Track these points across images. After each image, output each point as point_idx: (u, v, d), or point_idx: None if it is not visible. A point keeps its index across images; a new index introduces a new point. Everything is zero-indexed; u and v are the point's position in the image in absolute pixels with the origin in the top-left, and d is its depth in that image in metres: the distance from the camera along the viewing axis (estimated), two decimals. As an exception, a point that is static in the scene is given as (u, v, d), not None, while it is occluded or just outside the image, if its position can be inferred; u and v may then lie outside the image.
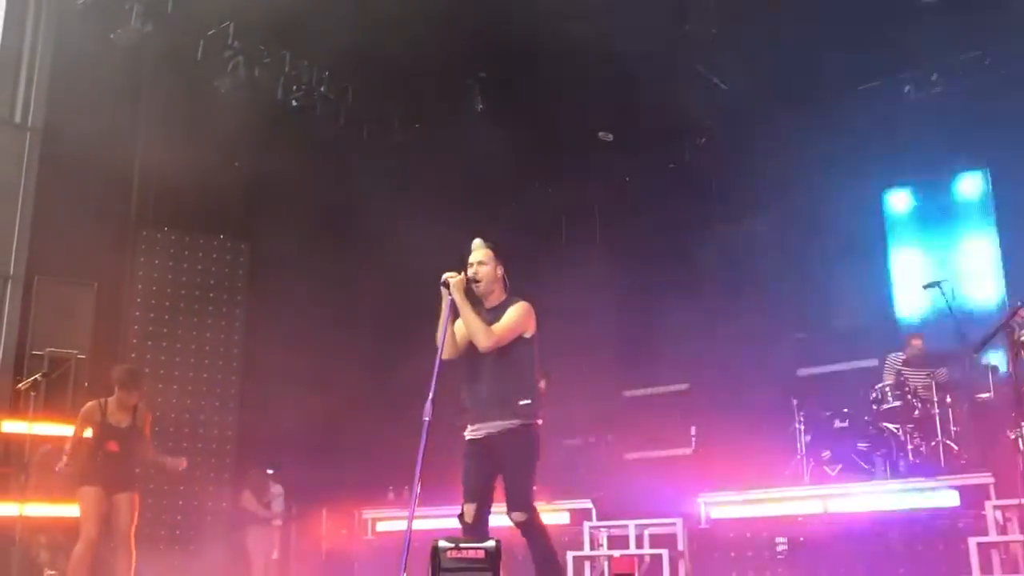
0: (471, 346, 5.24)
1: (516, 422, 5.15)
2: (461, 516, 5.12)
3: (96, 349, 9.41)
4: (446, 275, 5.19)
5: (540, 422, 5.26)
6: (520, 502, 5.08)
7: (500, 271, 5.44)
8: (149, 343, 10.30)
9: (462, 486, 5.19)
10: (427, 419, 4.78)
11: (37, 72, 9.77)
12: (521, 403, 5.18)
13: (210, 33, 10.04)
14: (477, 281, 5.31)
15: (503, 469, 5.15)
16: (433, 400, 4.81)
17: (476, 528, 5.05)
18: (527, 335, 5.33)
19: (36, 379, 7.63)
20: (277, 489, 10.48)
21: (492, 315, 5.31)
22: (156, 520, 9.88)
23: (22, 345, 9.16)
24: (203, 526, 10.14)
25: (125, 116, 10.25)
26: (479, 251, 5.43)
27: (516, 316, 5.27)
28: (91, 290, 9.69)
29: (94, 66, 9.45)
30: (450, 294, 5.11)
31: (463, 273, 5.26)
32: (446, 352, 5.15)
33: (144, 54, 10.18)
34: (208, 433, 10.41)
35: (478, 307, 5.33)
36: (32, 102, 9.70)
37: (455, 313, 5.15)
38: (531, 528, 5.07)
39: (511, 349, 5.23)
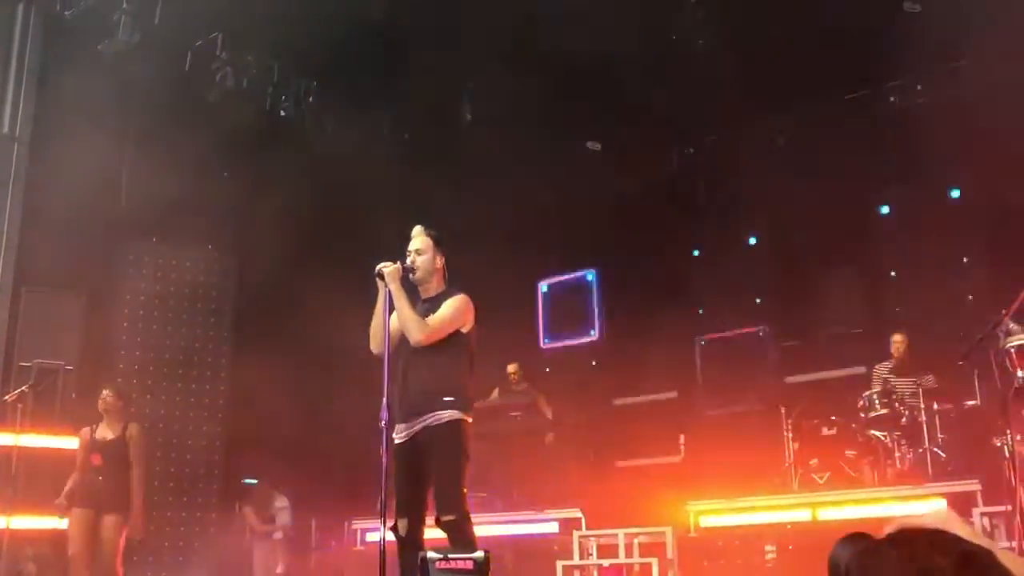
0: (404, 340, 5.03)
1: (441, 419, 4.91)
2: (395, 529, 4.91)
3: (84, 361, 9.38)
4: (380, 265, 4.97)
5: (469, 419, 5.00)
6: (447, 504, 4.83)
7: (440, 261, 5.20)
8: (137, 354, 10.27)
9: (395, 498, 4.96)
10: (383, 423, 4.67)
11: (24, 83, 9.76)
12: (445, 399, 4.93)
13: (198, 44, 10.05)
14: (414, 270, 5.10)
15: (431, 471, 4.92)
16: (388, 404, 4.70)
17: (409, 541, 4.87)
18: (464, 329, 5.09)
19: (23, 391, 7.60)
20: (282, 502, 10.44)
21: (428, 306, 5.11)
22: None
23: (9, 356, 9.12)
24: (191, 537, 10.11)
25: (113, 127, 10.23)
26: (418, 238, 5.20)
27: (453, 309, 5.04)
28: (79, 302, 9.67)
29: (82, 77, 9.43)
30: (386, 285, 4.90)
31: (398, 262, 5.03)
32: (377, 344, 4.97)
33: (132, 65, 10.17)
34: (196, 444, 10.38)
35: (414, 298, 5.12)
36: (20, 113, 9.69)
37: (392, 305, 4.93)
38: (456, 530, 4.78)
39: (444, 344, 5.01)
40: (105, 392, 7.49)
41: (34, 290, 9.40)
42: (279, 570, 10.19)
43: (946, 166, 10.71)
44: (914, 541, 1.36)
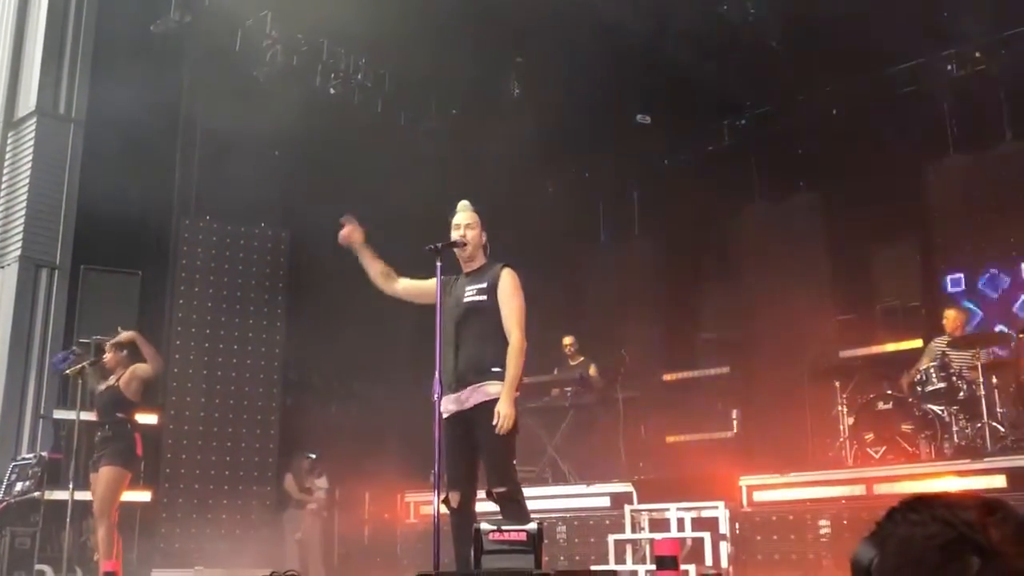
0: (452, 312, 5.14)
1: (489, 393, 4.94)
2: (446, 501, 4.93)
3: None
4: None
5: (516, 392, 5.02)
6: (499, 476, 4.90)
7: (484, 236, 5.28)
8: (193, 331, 10.43)
9: (445, 472, 5.01)
10: (436, 397, 4.79)
11: (79, 65, 9.91)
12: (493, 370, 4.98)
13: (248, 23, 10.12)
14: (465, 245, 5.18)
15: (481, 445, 4.97)
16: (440, 379, 4.82)
17: (462, 513, 4.90)
18: None
19: (83, 367, 7.75)
20: (323, 482, 10.60)
21: (471, 279, 5.20)
22: (202, 504, 10.05)
23: (69, 333, 9.33)
24: (248, 509, 10.29)
25: (165, 107, 10.37)
26: (465, 213, 5.27)
27: (514, 295, 5.07)
28: (136, 279, 9.84)
29: (135, 58, 9.57)
30: (440, 260, 5.03)
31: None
32: (389, 287, 5.35)
33: (183, 45, 10.28)
34: (252, 419, 10.53)
35: (456, 273, 5.27)
36: (75, 94, 9.84)
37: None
38: (510, 502, 4.85)
39: (488, 315, 5.07)
40: (105, 353, 7.55)
41: (92, 269, 9.58)
42: (297, 536, 10.35)
43: (1003, 135, 10.51)
44: (931, 504, 1.34)
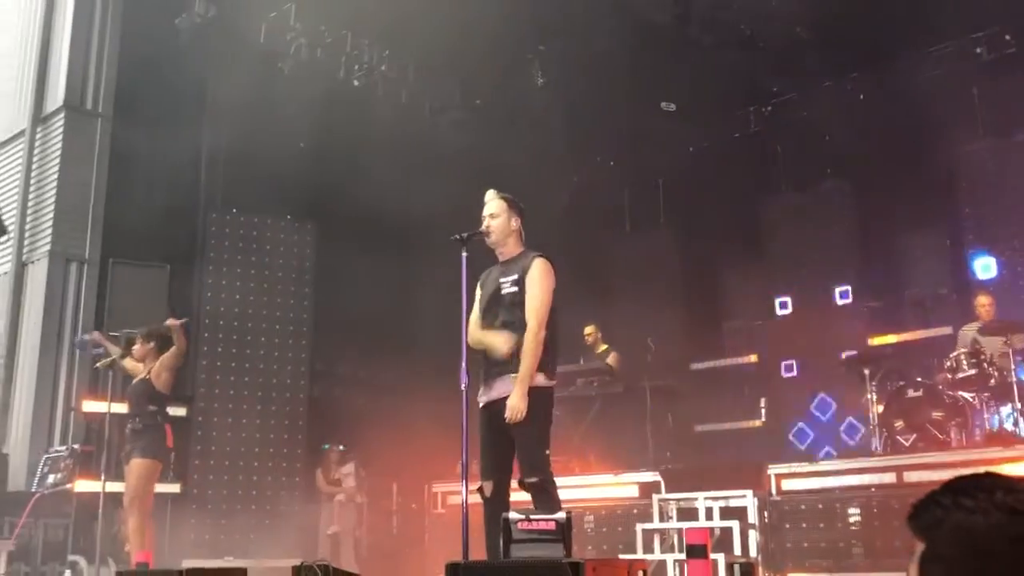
0: (481, 303, 5.19)
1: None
2: (480, 491, 4.96)
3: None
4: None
5: (550, 383, 5.03)
6: (532, 466, 4.89)
7: (515, 223, 5.22)
8: (221, 323, 10.49)
9: (479, 461, 5.03)
10: (464, 387, 4.77)
11: (106, 60, 9.97)
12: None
13: (272, 16, 10.16)
14: (488, 234, 5.17)
15: (514, 435, 4.94)
16: (467, 368, 4.81)
17: (495, 503, 4.90)
18: None
19: (114, 360, 7.82)
20: (348, 468, 10.65)
21: (505, 268, 5.19)
22: (232, 495, 10.13)
23: (99, 327, 9.40)
24: (277, 500, 10.35)
25: (191, 100, 10.43)
26: (492, 203, 5.23)
27: (544, 287, 5.06)
28: (164, 272, 9.91)
29: (160, 52, 9.62)
30: (464, 250, 5.01)
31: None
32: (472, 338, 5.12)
33: (208, 38, 10.32)
34: (280, 410, 10.58)
35: (492, 261, 5.27)
36: (102, 89, 9.91)
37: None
38: (541, 492, 4.84)
39: (518, 305, 5.06)
40: (135, 347, 7.64)
41: (121, 262, 9.65)
42: (330, 531, 10.39)
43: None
44: (987, 488, 1.19)
